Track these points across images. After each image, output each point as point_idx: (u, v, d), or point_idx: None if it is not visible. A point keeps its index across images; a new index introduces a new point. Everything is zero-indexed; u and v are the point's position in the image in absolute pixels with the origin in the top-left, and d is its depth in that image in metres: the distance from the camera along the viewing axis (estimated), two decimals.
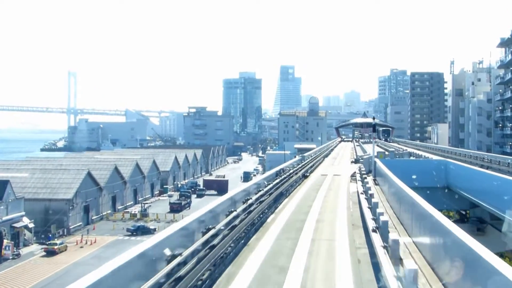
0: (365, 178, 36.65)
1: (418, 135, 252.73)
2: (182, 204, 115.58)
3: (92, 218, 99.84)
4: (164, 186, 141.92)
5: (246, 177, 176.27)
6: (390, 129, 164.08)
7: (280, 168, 44.56)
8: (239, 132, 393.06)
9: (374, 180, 40.75)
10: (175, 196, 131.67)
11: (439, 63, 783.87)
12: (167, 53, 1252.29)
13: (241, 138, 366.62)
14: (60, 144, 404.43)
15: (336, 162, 71.89)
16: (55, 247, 76.27)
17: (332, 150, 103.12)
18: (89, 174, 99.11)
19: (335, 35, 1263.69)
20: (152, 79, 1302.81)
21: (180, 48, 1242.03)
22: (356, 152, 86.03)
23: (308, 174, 49.00)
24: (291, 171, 45.42)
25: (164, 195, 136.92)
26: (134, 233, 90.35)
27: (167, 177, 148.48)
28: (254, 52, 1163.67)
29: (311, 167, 54.99)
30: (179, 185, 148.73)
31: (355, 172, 45.06)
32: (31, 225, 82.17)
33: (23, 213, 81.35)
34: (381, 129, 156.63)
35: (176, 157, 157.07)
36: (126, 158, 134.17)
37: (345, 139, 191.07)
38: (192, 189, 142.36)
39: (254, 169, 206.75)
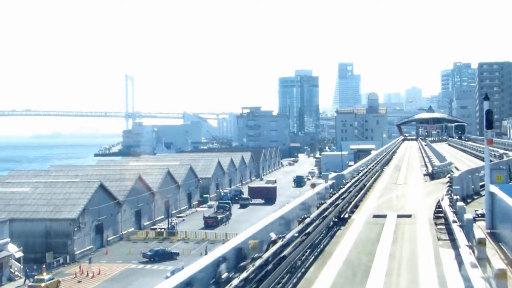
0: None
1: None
2: (219, 218, 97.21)
3: (108, 239, 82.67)
4: (204, 196, 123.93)
5: (299, 182, 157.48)
6: (464, 124, 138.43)
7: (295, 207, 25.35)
8: (296, 132, 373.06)
9: (491, 233, 21.02)
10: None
11: (508, 52, 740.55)
12: (224, 54, 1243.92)
13: (298, 139, 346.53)
14: (116, 148, 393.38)
15: (400, 178, 45.56)
16: (42, 284, 58.81)
17: (394, 153, 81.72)
18: (101, 187, 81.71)
19: (393, 31, 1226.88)
20: (210, 81, 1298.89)
21: (237, 49, 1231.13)
22: (426, 155, 64.86)
23: (347, 216, 25.27)
24: (316, 212, 22.94)
25: (204, 205, 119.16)
26: (152, 259, 72.50)
27: (209, 185, 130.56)
28: (311, 50, 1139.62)
29: (358, 192, 32.02)
30: (222, 193, 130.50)
31: (440, 205, 24.56)
32: (19, 254, 65.24)
33: (8, 239, 64.52)
34: (453, 125, 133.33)
35: (219, 162, 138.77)
36: (158, 165, 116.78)
37: (408, 137, 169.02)
38: (236, 198, 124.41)
39: (309, 172, 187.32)
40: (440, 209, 23.38)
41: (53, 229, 73.83)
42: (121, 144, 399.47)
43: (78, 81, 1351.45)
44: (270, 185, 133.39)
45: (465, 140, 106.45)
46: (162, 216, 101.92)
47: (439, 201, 25.49)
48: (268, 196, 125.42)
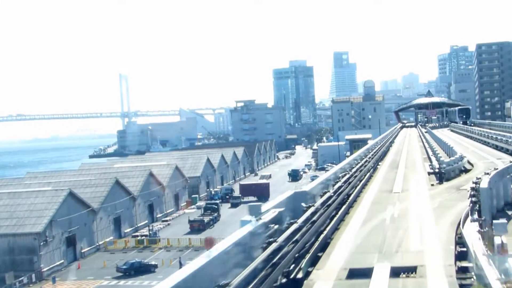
0: None
1: (489, 113, 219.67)
2: (205, 221, 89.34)
3: (83, 251, 74.93)
4: (193, 196, 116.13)
5: (294, 175, 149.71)
6: (469, 108, 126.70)
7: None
8: (293, 124, 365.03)
9: None
10: None
11: (506, 33, 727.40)
12: (218, 47, 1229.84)
13: (295, 130, 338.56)
14: (111, 149, 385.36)
15: (398, 181, 33.97)
16: None
17: (391, 143, 71.69)
18: (71, 195, 73.84)
19: (387, 17, 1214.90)
20: (205, 76, 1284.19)
21: (231, 42, 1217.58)
22: (429, 145, 54.54)
23: (300, 276, 13.48)
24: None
25: (193, 206, 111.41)
26: (127, 273, 64.85)
27: (198, 184, 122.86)
28: (306, 40, 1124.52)
29: (328, 220, 19.51)
30: (213, 192, 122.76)
31: (461, 236, 15.58)
32: None
33: None
34: (454, 109, 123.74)
35: (208, 160, 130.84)
36: (141, 167, 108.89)
37: (407, 124, 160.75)
38: (227, 197, 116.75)
39: (306, 165, 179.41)
40: (464, 247, 14.38)
41: (16, 245, 66.18)
42: (116, 144, 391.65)
43: (73, 82, 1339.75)
44: (263, 181, 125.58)
45: (470, 125, 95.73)
46: (146, 221, 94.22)
47: (459, 228, 16.64)
48: (260, 193, 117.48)
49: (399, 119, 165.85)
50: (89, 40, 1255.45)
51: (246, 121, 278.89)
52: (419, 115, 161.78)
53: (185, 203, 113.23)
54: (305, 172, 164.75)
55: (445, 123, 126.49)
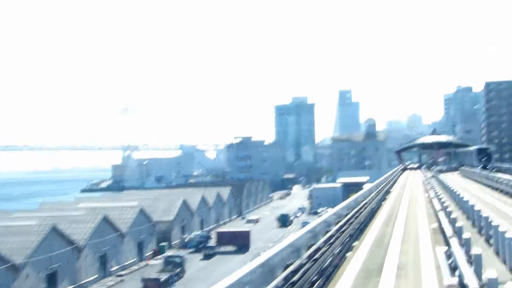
0: None
1: (497, 156, 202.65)
2: (161, 280, 72.44)
3: None
4: (160, 244, 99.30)
5: (284, 221, 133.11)
6: (490, 149, 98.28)
7: None
8: (293, 162, 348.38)
9: None
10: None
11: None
12: (221, 84, 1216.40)
13: (295, 169, 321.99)
14: (106, 184, 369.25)
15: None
16: None
17: (387, 193, 54.23)
18: None
19: (392, 58, 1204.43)
20: (207, 111, 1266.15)
21: (234, 78, 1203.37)
22: (441, 206, 33.50)
23: None
24: None
25: (160, 256, 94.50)
26: None
27: (170, 229, 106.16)
28: (310, 78, 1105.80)
29: None
30: (187, 240, 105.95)
31: None
32: None
33: None
34: (473, 149, 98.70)
35: (185, 201, 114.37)
36: (100, 208, 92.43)
37: (409, 166, 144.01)
38: (202, 246, 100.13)
39: (299, 208, 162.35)
40: None
41: None
42: (111, 179, 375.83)
43: (77, 115, 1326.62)
44: (243, 228, 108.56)
45: (492, 171, 70.93)
46: (96, 276, 77.64)
47: None
48: (240, 242, 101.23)
49: (401, 160, 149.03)
50: (94, 73, 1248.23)
51: (242, 159, 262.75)
52: (423, 156, 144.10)
53: (152, 252, 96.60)
54: (297, 217, 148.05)
55: (453, 165, 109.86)
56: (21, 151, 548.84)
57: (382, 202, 45.62)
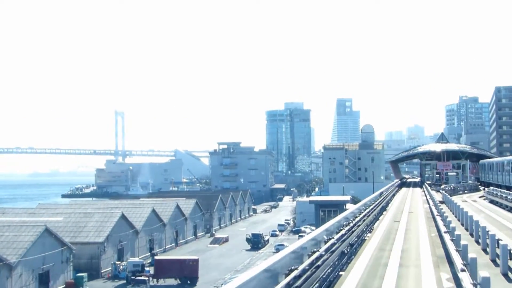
0: None
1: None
2: None
3: None
4: (78, 275, 73.62)
5: (255, 242, 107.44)
6: None
7: None
8: (285, 172, 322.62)
9: None
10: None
11: None
12: (217, 90, 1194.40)
13: (287, 179, 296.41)
14: (90, 189, 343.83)
15: None
16: None
17: (368, 229, 28.52)
18: None
19: (394, 67, 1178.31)
20: (203, 117, 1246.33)
21: (232, 86, 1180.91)
22: None
23: None
24: None
25: None
26: None
27: (99, 255, 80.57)
28: (308, 86, 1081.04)
29: None
30: (121, 268, 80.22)
31: None
32: None
33: None
34: (507, 159, 66.27)
35: (123, 216, 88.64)
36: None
37: (408, 180, 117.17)
38: (133, 277, 74.69)
39: (279, 225, 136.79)
40: None
41: None
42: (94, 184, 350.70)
43: (75, 118, 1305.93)
44: (186, 257, 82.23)
45: None
46: None
47: None
48: (184, 273, 75.78)
49: (398, 172, 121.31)
50: (93, 76, 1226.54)
51: (226, 166, 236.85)
52: (426, 169, 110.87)
53: (63, 287, 71.09)
54: (275, 235, 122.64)
55: (469, 183, 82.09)
56: (20, 154, 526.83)
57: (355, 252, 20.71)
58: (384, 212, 40.34)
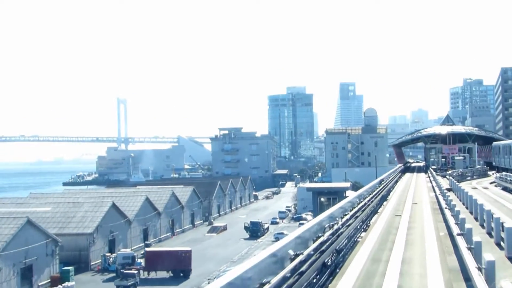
0: None
1: None
2: None
3: None
4: (65, 268, 69.54)
5: (254, 231, 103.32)
6: None
7: None
8: (288, 157, 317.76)
9: None
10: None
11: None
12: (221, 75, 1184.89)
13: (290, 164, 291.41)
14: (91, 177, 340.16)
15: None
16: None
17: (366, 223, 24.93)
18: None
19: (398, 51, 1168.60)
20: (207, 103, 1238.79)
21: (235, 71, 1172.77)
22: None
23: None
24: None
25: (65, 284, 65.34)
26: None
27: (87, 246, 76.52)
28: (311, 69, 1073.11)
29: None
30: (111, 260, 76.10)
31: None
32: None
33: None
34: (498, 144, 64.23)
35: (114, 206, 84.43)
36: None
37: (413, 165, 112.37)
38: (122, 271, 70.51)
39: (280, 212, 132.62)
40: None
41: None
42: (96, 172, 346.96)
43: (79, 107, 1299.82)
44: (178, 248, 77.89)
45: None
46: None
47: None
48: (176, 265, 71.72)
49: (401, 157, 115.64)
50: (96, 63, 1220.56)
51: (228, 152, 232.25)
52: (431, 153, 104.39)
53: (48, 281, 67.03)
54: (276, 223, 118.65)
55: (478, 168, 76.72)
56: (24, 142, 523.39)
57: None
58: (385, 203, 35.68)
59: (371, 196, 31.02)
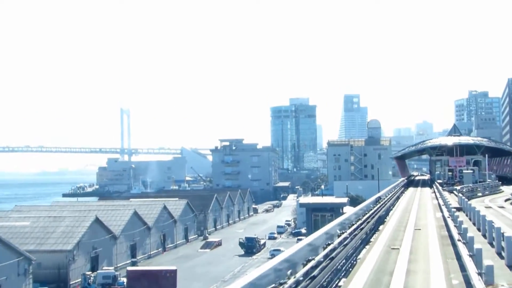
0: None
1: None
2: None
3: None
4: None
5: (250, 247, 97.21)
6: None
7: None
8: (291, 169, 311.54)
9: None
10: None
11: None
12: (225, 87, 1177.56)
13: (292, 176, 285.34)
14: (92, 188, 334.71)
15: None
16: None
17: (355, 253, 19.59)
18: None
19: (402, 63, 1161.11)
20: (211, 115, 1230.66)
21: (240, 83, 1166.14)
22: None
23: None
24: None
25: None
26: None
27: (66, 264, 70.74)
28: (315, 82, 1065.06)
29: None
30: (90, 279, 70.25)
31: None
32: None
33: None
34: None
35: (97, 220, 78.66)
36: None
37: (417, 178, 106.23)
38: None
39: (278, 227, 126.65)
40: None
41: None
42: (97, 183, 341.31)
43: (83, 118, 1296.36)
44: (166, 267, 71.97)
45: None
46: None
47: None
48: (161, 286, 65.87)
49: (404, 169, 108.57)
50: (99, 75, 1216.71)
51: (228, 164, 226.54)
52: (437, 165, 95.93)
53: None
54: (273, 238, 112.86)
55: (488, 182, 69.90)
56: (28, 152, 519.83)
57: None
58: (381, 227, 29.37)
59: (362, 220, 24.88)
